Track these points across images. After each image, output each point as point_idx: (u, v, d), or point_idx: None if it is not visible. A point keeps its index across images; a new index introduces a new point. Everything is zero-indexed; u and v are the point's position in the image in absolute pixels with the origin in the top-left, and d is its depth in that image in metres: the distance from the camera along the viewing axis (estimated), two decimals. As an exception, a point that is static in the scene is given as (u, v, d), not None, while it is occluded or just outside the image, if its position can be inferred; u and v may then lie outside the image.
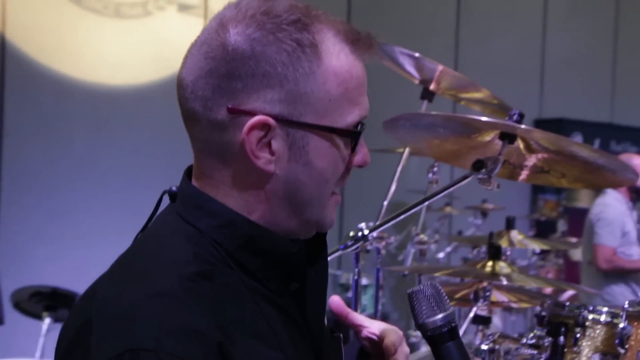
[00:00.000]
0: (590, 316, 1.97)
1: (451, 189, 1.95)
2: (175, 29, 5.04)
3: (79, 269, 4.33)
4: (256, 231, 1.06)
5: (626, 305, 1.84)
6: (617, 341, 1.82)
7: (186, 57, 1.08)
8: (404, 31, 5.36)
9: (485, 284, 2.39)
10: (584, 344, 1.96)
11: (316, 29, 1.04)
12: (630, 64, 7.63)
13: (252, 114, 1.01)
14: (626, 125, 7.49)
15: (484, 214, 5.34)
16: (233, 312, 1.01)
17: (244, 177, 1.05)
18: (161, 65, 4.96)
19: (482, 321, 2.38)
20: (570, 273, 5.73)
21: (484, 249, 4.71)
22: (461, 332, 2.34)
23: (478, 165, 1.89)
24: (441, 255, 5.34)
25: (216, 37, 1.03)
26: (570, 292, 4.63)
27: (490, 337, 2.02)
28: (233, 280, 1.03)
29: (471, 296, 2.26)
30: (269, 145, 1.03)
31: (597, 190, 4.95)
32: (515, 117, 1.90)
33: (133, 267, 1.06)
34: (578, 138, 6.53)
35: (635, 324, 1.81)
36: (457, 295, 2.56)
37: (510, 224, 2.81)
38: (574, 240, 5.55)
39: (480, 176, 1.89)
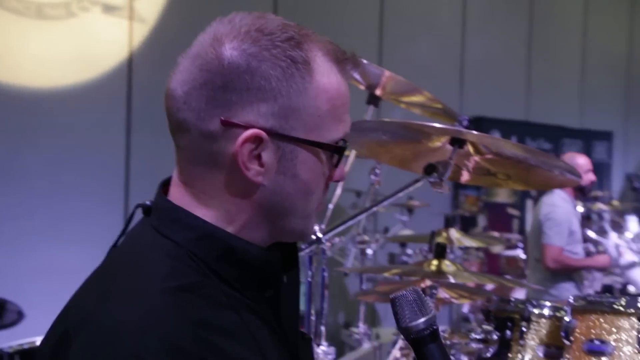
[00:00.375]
0: (535, 310, 2.09)
1: (403, 193, 2.03)
2: (100, 30, 4.95)
3: (3, 274, 4.24)
4: (234, 242, 1.08)
5: (571, 300, 1.95)
6: (562, 334, 1.93)
7: (176, 69, 1.10)
8: (328, 32, 5.41)
9: (428, 282, 2.48)
10: (530, 337, 2.07)
11: (308, 47, 1.08)
12: (543, 65, 7.94)
13: (246, 127, 1.04)
14: (540, 122, 7.80)
15: (410, 210, 5.45)
16: (215, 323, 1.02)
17: (230, 187, 1.08)
18: (85, 67, 4.86)
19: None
20: (492, 265, 5.95)
21: (415, 246, 4.88)
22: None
23: (429, 170, 1.97)
24: (370, 252, 5.43)
25: (211, 51, 1.06)
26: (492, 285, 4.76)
27: (441, 333, 2.11)
28: (213, 291, 1.05)
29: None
30: (259, 157, 1.06)
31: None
32: (464, 123, 1.99)
33: (112, 283, 1.06)
34: (496, 135, 6.76)
35: (580, 317, 1.92)
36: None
37: (448, 223, 2.91)
38: (495, 234, 5.74)
39: (431, 180, 1.98)
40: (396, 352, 2.34)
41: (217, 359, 0.99)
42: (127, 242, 1.14)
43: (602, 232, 5.57)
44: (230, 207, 1.09)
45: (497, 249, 5.89)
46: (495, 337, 2.09)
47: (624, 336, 1.83)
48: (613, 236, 5.62)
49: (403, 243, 5.02)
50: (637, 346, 1.81)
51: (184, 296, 1.01)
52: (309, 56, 1.08)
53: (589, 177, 4.81)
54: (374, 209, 2.03)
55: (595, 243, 5.40)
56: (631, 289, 5.47)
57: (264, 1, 5.58)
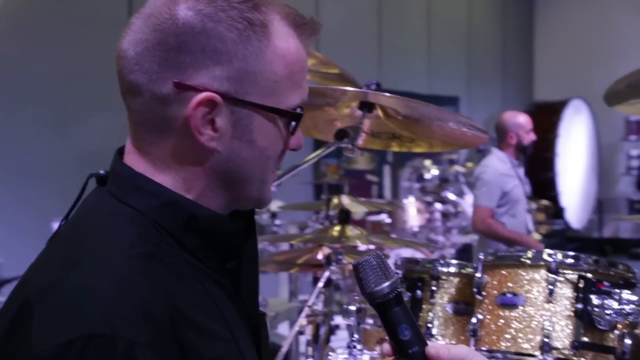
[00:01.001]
0: (444, 269, 2.15)
1: (316, 159, 2.02)
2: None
3: None
4: (197, 210, 1.07)
5: (481, 256, 2.03)
6: (475, 289, 2.00)
7: (129, 29, 1.06)
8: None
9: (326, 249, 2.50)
10: (439, 295, 2.13)
11: (265, 10, 1.05)
12: (392, 33, 8.15)
13: (200, 89, 1.02)
14: (392, 89, 8.01)
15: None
16: (181, 292, 1.01)
17: (184, 153, 1.06)
18: None
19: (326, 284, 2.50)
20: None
21: (285, 215, 4.89)
22: (311, 298, 2.45)
23: (341, 135, 1.98)
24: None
25: (165, 10, 1.03)
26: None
27: (357, 297, 2.13)
28: (177, 260, 1.04)
29: (324, 261, 2.36)
30: (212, 122, 1.04)
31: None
32: (373, 87, 2.00)
33: (74, 252, 1.02)
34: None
35: (490, 272, 2.00)
36: (299, 261, 2.65)
37: (340, 190, 2.94)
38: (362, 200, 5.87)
39: (343, 145, 1.98)
40: (302, 321, 2.34)
41: (188, 328, 0.99)
42: (84, 211, 1.10)
43: (460, 193, 5.82)
44: (186, 174, 1.07)
45: (359, 214, 6.04)
46: (406, 298, 2.14)
47: (535, 288, 1.92)
48: (469, 197, 5.89)
49: (274, 214, 5.03)
50: (548, 296, 1.90)
51: (151, 264, 0.99)
52: (267, 19, 1.05)
53: (530, 137, 4.79)
54: (285, 177, 2.00)
55: (454, 204, 5.65)
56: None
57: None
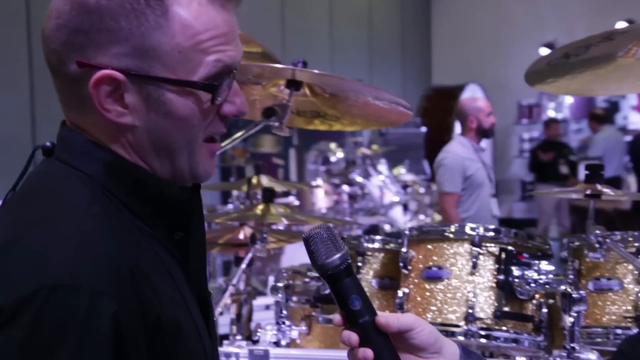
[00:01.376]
0: (369, 245, 2.19)
1: (245, 136, 2.01)
2: None
3: None
4: (144, 175, 1.07)
5: (407, 232, 2.07)
6: (401, 264, 2.04)
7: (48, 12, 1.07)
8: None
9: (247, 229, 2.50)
10: (365, 271, 2.17)
11: None
12: (295, 20, 8.13)
13: (99, 68, 1.02)
14: (296, 74, 8.03)
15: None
16: (135, 252, 1.02)
17: (105, 130, 1.06)
18: None
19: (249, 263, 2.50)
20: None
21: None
22: (235, 277, 2.45)
23: (269, 113, 1.98)
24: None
25: None
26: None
27: (285, 273, 2.14)
28: (128, 223, 1.05)
29: (248, 240, 2.36)
30: (121, 98, 1.04)
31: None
32: (299, 65, 2.00)
33: (29, 212, 1.02)
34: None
35: (416, 247, 2.05)
36: (221, 241, 2.64)
37: (258, 170, 2.94)
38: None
39: (271, 123, 1.98)
40: (227, 299, 2.33)
41: (146, 285, 1.00)
42: (33, 179, 1.10)
43: (366, 175, 5.91)
44: (117, 149, 1.07)
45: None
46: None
47: (459, 260, 1.98)
48: (375, 179, 5.99)
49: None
50: (472, 269, 1.96)
51: (108, 221, 1.01)
52: None
53: (490, 120, 4.80)
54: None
55: (361, 186, 5.74)
56: (387, 228, 5.88)
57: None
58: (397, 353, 1.18)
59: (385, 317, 1.15)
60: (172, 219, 1.10)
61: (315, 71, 1.93)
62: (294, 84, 2.00)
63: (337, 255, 1.16)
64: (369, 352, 1.14)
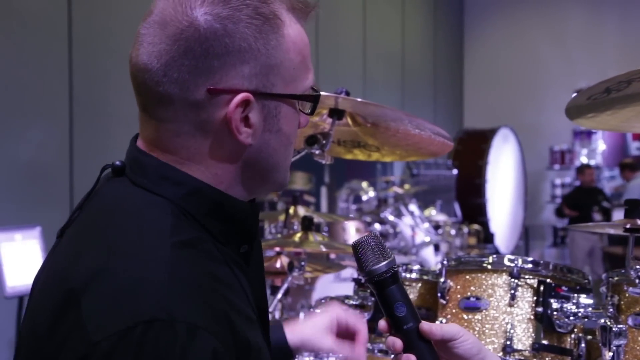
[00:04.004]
0: (407, 275, 2.21)
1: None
2: None
3: None
4: (222, 198, 1.10)
5: (445, 262, 2.09)
6: (439, 294, 2.05)
7: (141, 40, 1.07)
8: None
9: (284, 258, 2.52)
10: (402, 300, 2.18)
11: (272, 2, 1.09)
12: (330, 60, 8.24)
13: (234, 91, 1.05)
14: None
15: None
16: (219, 276, 1.04)
17: (218, 152, 1.09)
18: None
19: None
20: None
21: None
22: (272, 305, 2.47)
23: (311, 141, 2.03)
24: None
25: (184, 18, 1.05)
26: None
27: (323, 301, 2.16)
28: (209, 245, 1.07)
29: (286, 268, 2.39)
30: (247, 119, 1.07)
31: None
32: (342, 94, 2.05)
33: (113, 241, 1.03)
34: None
35: (454, 277, 2.06)
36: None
37: (296, 200, 2.98)
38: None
39: (313, 150, 2.02)
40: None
41: (231, 309, 1.02)
42: (108, 200, 1.11)
43: (398, 214, 5.92)
44: (217, 170, 1.10)
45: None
46: (370, 302, 2.19)
47: (497, 291, 1.99)
48: (406, 219, 6.00)
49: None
50: (511, 300, 1.97)
51: (191, 251, 1.02)
52: (276, 10, 1.09)
53: None
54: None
55: (393, 224, 5.74)
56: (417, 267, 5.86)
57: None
58: None
59: (429, 325, 1.20)
60: (241, 235, 1.14)
61: (358, 99, 1.97)
62: (336, 113, 2.04)
63: (384, 263, 1.21)
64: (412, 358, 1.17)
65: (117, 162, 1.13)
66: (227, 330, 0.98)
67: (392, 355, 1.22)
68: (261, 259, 1.25)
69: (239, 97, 1.05)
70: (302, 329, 1.46)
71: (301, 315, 3.75)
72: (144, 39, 1.07)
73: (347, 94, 2.04)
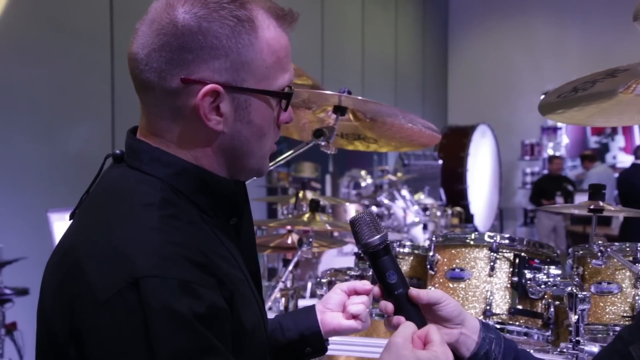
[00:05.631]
0: (400, 249, 2.18)
1: (298, 152, 2.02)
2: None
3: None
4: (206, 175, 1.08)
5: (433, 238, 2.06)
6: (428, 266, 2.02)
7: (136, 34, 1.06)
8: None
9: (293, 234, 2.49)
10: (396, 271, 2.15)
11: (250, 7, 1.06)
12: (333, 66, 8.18)
13: (204, 83, 1.03)
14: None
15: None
16: (203, 242, 1.02)
17: (194, 137, 1.07)
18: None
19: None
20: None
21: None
22: (284, 275, 2.44)
23: (318, 134, 1.99)
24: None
25: (166, 16, 1.03)
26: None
27: (328, 272, 2.13)
28: (195, 218, 1.05)
29: (296, 243, 2.36)
30: (217, 108, 1.05)
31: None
32: (345, 93, 2.01)
33: (109, 214, 1.02)
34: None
35: (441, 251, 2.03)
36: (272, 245, 2.64)
37: (305, 186, 2.95)
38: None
39: (320, 142, 1.99)
40: (276, 294, 2.32)
41: (220, 273, 1.00)
42: (108, 183, 1.10)
43: (392, 198, 5.88)
44: (196, 153, 1.07)
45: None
46: (369, 274, 2.16)
47: (479, 264, 1.96)
48: (399, 202, 5.96)
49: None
50: (490, 271, 1.94)
51: (177, 221, 1.00)
52: (252, 15, 1.06)
53: None
54: (272, 165, 1.99)
55: (387, 207, 5.70)
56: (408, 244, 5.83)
57: None
58: (426, 322, 1.19)
59: (417, 291, 1.19)
60: (229, 208, 1.12)
61: (359, 97, 1.93)
62: (339, 110, 2.01)
63: (377, 236, 1.19)
64: (402, 319, 1.16)
65: (117, 151, 1.12)
66: (215, 285, 0.97)
67: (384, 318, 1.21)
68: (252, 230, 1.22)
69: (207, 88, 1.02)
70: (323, 318, 1.34)
71: (309, 284, 3.73)
72: (137, 33, 1.06)
73: (349, 93, 2.01)
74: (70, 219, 1.11)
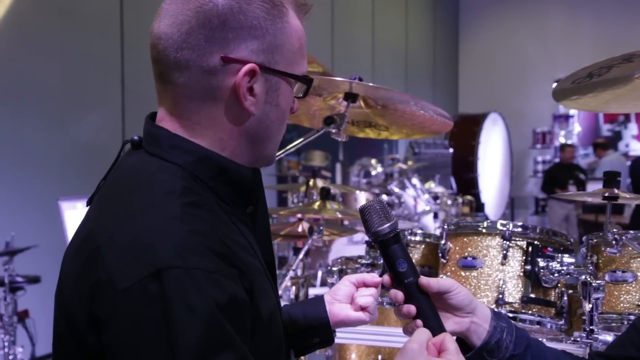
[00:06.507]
0: (412, 238, 2.16)
1: (309, 139, 2.00)
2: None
3: None
4: (227, 163, 1.06)
5: (445, 226, 2.03)
6: (440, 254, 2.00)
7: (163, 13, 1.04)
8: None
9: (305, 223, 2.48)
10: (408, 259, 2.13)
11: None
12: (343, 56, 8.14)
13: (244, 62, 1.02)
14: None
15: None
16: (223, 231, 1.01)
17: (225, 117, 1.05)
18: None
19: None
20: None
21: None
22: (295, 263, 2.43)
23: (329, 121, 1.97)
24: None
25: None
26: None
27: (339, 260, 2.12)
28: (214, 206, 1.03)
29: (307, 231, 2.34)
30: (251, 89, 1.04)
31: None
32: (356, 79, 1.99)
33: (131, 201, 1.00)
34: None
35: (453, 240, 2.01)
36: (282, 233, 2.63)
37: (315, 174, 2.93)
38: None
39: (330, 129, 1.97)
40: (287, 282, 2.31)
41: (240, 263, 0.98)
42: (127, 170, 1.07)
43: (402, 187, 5.86)
44: (223, 135, 1.06)
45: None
46: (380, 262, 2.14)
47: (491, 252, 1.94)
48: (410, 190, 5.93)
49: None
50: (503, 259, 1.91)
51: (197, 209, 0.99)
52: (283, 0, 1.07)
53: None
54: (282, 153, 1.97)
55: (398, 195, 5.68)
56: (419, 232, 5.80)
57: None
58: (437, 311, 1.18)
59: (427, 279, 1.18)
60: (246, 196, 1.10)
61: (370, 84, 1.91)
62: (350, 97, 1.99)
63: (387, 225, 1.17)
64: (412, 308, 1.16)
65: (135, 137, 1.10)
66: (236, 275, 0.96)
67: (395, 307, 1.19)
68: (266, 219, 1.21)
69: (247, 67, 1.01)
70: (331, 309, 1.33)
71: (319, 273, 3.72)
72: (167, 12, 1.04)
73: (360, 79, 1.98)
74: (87, 205, 1.10)
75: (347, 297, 1.34)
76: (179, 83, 1.04)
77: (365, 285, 1.33)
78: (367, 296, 1.31)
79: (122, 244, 0.93)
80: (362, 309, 1.32)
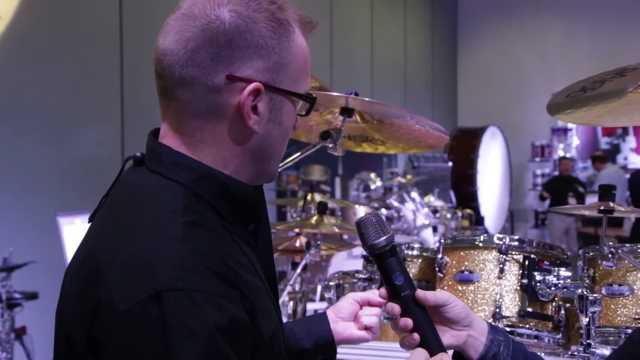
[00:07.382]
0: (409, 252, 2.17)
1: (306, 154, 2.00)
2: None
3: None
4: (229, 181, 1.06)
5: (442, 240, 2.04)
6: (437, 268, 2.01)
7: (168, 30, 1.04)
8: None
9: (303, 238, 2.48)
10: (405, 274, 2.13)
11: (287, 11, 1.07)
12: (342, 69, 8.17)
13: (249, 80, 1.02)
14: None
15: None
16: (225, 251, 1.00)
17: (228, 135, 1.05)
18: None
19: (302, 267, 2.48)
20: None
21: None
22: (292, 278, 2.43)
23: (325, 135, 1.97)
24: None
25: (212, 12, 1.02)
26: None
27: (336, 274, 2.12)
28: (216, 224, 1.03)
29: (304, 246, 2.34)
30: (255, 107, 1.04)
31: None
32: (352, 94, 2.00)
33: (132, 220, 0.99)
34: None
35: (450, 254, 2.01)
36: (280, 248, 2.63)
37: (313, 188, 2.94)
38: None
39: (327, 144, 1.98)
40: (284, 297, 2.31)
41: (241, 284, 0.98)
42: (128, 187, 1.07)
43: (402, 201, 5.86)
44: (226, 153, 1.05)
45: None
46: (377, 276, 2.14)
47: (488, 266, 1.94)
48: (409, 204, 5.93)
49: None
50: (499, 273, 1.92)
51: (199, 229, 0.98)
52: (289, 19, 1.07)
53: None
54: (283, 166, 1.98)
55: (397, 209, 5.68)
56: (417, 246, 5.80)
57: None
58: (434, 324, 1.18)
59: (424, 292, 1.18)
60: (248, 214, 1.10)
61: (366, 99, 1.92)
62: (346, 111, 1.99)
63: (384, 238, 1.17)
64: (409, 322, 1.16)
65: (138, 154, 1.10)
66: (237, 297, 0.95)
67: (391, 321, 1.20)
68: (269, 236, 1.20)
69: (252, 86, 1.02)
70: (335, 327, 1.33)
71: (318, 287, 3.71)
72: (172, 28, 1.04)
73: (356, 94, 1.99)
74: (89, 222, 1.10)
75: (351, 315, 1.34)
76: (183, 99, 1.04)
77: (370, 304, 1.33)
78: (371, 316, 1.32)
79: (123, 264, 0.93)
80: (366, 328, 1.32)
